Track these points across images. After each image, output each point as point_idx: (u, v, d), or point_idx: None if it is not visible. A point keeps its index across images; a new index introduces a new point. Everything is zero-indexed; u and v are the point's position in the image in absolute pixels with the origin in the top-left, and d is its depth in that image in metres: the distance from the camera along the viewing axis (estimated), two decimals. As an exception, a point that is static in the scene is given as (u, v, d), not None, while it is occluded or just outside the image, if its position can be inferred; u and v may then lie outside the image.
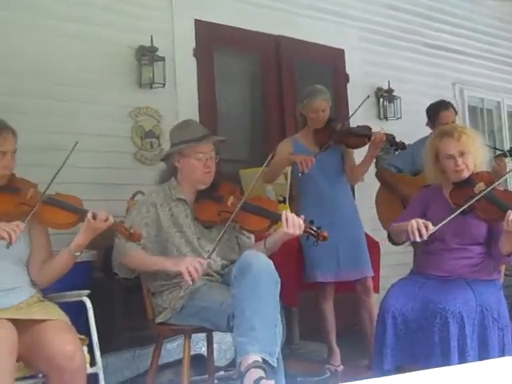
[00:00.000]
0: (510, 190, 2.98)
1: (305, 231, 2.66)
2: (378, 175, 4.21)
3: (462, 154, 2.83)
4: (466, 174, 2.86)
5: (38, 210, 2.44)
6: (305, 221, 2.67)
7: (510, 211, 2.58)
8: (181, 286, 2.66)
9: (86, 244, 2.53)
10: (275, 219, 2.69)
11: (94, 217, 2.43)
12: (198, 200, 2.85)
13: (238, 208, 2.69)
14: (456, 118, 4.22)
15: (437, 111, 4.09)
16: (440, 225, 2.66)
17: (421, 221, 2.68)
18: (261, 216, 2.73)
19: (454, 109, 4.20)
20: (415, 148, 3.81)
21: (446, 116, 4.04)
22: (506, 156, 3.79)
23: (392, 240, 2.98)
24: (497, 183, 2.78)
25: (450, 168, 2.87)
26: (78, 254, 2.52)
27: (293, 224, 2.62)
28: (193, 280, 2.56)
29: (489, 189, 2.72)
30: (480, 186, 2.79)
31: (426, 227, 2.64)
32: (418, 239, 2.63)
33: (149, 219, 2.78)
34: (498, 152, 4.11)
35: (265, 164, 2.79)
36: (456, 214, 2.69)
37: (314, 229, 2.67)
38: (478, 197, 2.71)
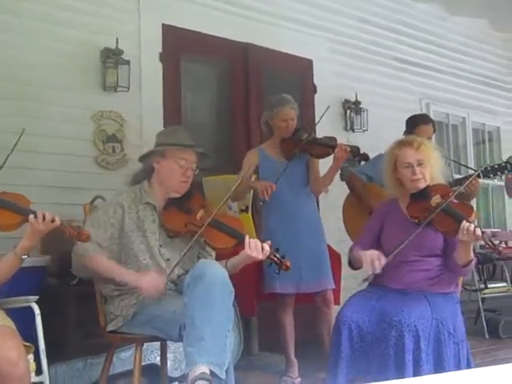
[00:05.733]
0: (466, 203, 2.96)
1: (268, 257, 2.63)
2: (348, 182, 4.17)
3: (419, 163, 2.85)
4: (422, 185, 2.86)
5: None
6: (270, 247, 2.63)
7: (464, 221, 2.59)
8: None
9: (33, 246, 2.45)
10: (241, 240, 2.64)
11: (39, 218, 2.34)
12: (166, 207, 2.79)
13: (206, 224, 2.64)
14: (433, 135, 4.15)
15: (416, 124, 4.03)
16: (394, 253, 2.71)
17: (375, 254, 2.70)
18: (227, 234, 2.69)
19: (434, 125, 4.14)
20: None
21: (424, 130, 3.97)
22: (479, 176, 3.70)
23: (352, 265, 2.97)
24: (452, 196, 2.77)
25: (407, 177, 2.87)
26: (25, 256, 2.42)
27: (255, 247, 2.59)
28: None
29: (446, 202, 2.73)
30: (436, 198, 2.79)
31: (380, 260, 2.68)
32: (371, 272, 2.68)
33: (115, 220, 2.72)
34: (472, 171, 3.99)
35: (232, 189, 2.72)
36: (413, 236, 2.71)
37: (278, 256, 2.64)
38: (436, 211, 2.72)
